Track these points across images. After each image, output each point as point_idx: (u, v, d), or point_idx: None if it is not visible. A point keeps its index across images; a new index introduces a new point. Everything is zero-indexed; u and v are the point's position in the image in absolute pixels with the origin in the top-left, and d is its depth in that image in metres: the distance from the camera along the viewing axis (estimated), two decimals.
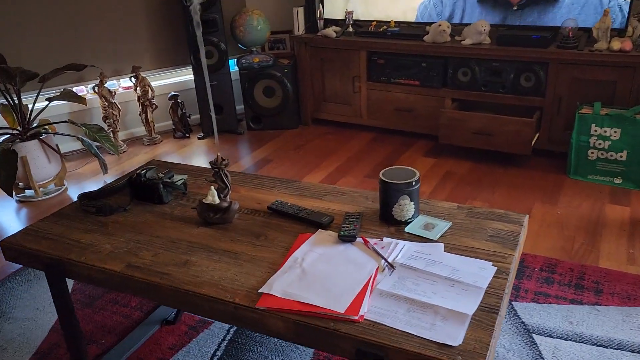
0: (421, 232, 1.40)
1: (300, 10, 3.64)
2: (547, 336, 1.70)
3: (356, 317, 1.10)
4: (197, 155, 3.46)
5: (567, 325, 1.75)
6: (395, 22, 3.46)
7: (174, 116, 3.75)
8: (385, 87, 3.43)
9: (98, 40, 3.49)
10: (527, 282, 1.97)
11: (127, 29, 3.57)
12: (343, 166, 3.15)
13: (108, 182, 3.13)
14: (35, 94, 2.93)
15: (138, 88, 3.59)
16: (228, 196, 1.53)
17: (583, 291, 1.90)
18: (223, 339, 1.78)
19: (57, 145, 3.01)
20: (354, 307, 1.13)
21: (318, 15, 3.61)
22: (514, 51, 2.92)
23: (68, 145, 3.54)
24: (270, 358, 1.69)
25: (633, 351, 1.63)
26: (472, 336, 1.04)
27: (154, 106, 3.66)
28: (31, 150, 2.82)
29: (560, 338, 1.69)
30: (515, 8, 3.03)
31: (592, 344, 1.66)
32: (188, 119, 3.79)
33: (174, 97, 3.71)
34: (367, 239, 1.36)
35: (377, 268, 1.26)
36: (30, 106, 2.98)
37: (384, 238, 1.38)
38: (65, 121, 2.92)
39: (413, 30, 3.37)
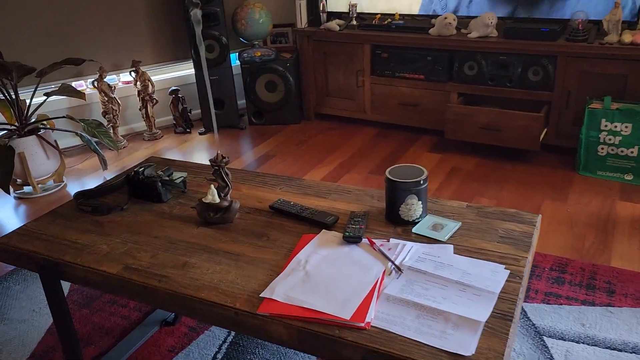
0: (429, 232, 1.34)
1: (303, 3, 3.57)
2: (559, 339, 1.65)
3: (362, 324, 1.05)
4: (198, 150, 3.41)
5: (579, 327, 1.69)
6: (400, 14, 3.39)
7: (175, 111, 3.69)
8: (390, 82, 3.36)
9: (97, 34, 3.43)
10: (537, 282, 1.92)
11: (126, 23, 3.51)
12: (347, 162, 3.09)
13: (108, 178, 3.09)
14: (33, 89, 2.88)
15: (138, 82, 3.53)
16: (228, 195, 1.47)
17: (595, 292, 1.84)
18: (224, 341, 1.73)
19: (55, 141, 2.96)
20: (360, 313, 1.07)
21: (321, 8, 3.54)
22: (521, 44, 2.85)
23: (67, 140, 3.49)
24: None
25: None
26: (485, 345, 0.98)
27: (155, 101, 3.60)
28: (29, 146, 2.77)
29: (572, 341, 1.64)
30: None
31: (606, 347, 1.61)
32: (189, 114, 3.73)
33: (174, 92, 3.66)
34: (373, 240, 1.31)
35: (384, 271, 1.21)
36: (28, 101, 2.93)
37: (391, 239, 1.33)
38: (64, 116, 2.86)
39: (418, 23, 3.30)
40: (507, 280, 1.16)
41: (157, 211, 1.54)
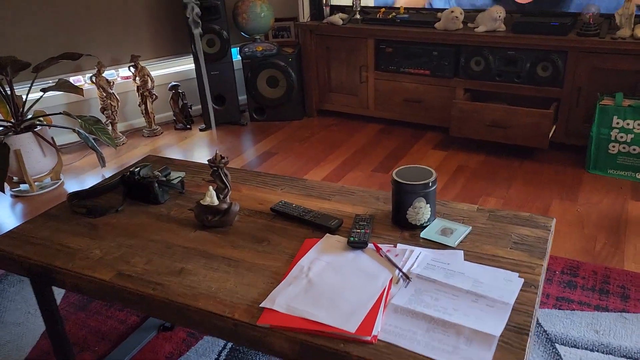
0: (438, 237, 1.28)
1: None
2: (572, 347, 1.58)
3: (369, 338, 0.98)
4: (199, 147, 3.34)
5: (593, 334, 1.63)
6: (405, 8, 3.31)
7: (175, 107, 3.63)
8: (394, 77, 3.29)
9: (95, 27, 3.36)
10: (548, 286, 1.85)
11: (125, 16, 3.44)
12: (350, 160, 3.02)
13: (106, 175, 3.03)
14: (29, 84, 2.81)
15: (137, 78, 3.46)
16: (228, 197, 1.41)
17: (608, 297, 1.78)
18: (224, 348, 1.67)
19: (52, 138, 2.90)
20: (366, 326, 1.01)
21: (324, 2, 3.46)
22: (530, 39, 2.77)
23: (65, 137, 3.43)
24: None
25: None
26: None
27: (154, 97, 3.54)
28: (25, 144, 2.71)
29: (586, 349, 1.57)
30: None
31: (621, 356, 1.54)
32: (189, 109, 3.67)
33: (174, 87, 3.59)
34: (380, 246, 1.24)
35: (391, 279, 1.14)
36: (24, 97, 2.86)
37: (398, 244, 1.26)
38: (60, 113, 2.80)
39: (423, 17, 3.22)
40: (521, 290, 1.09)
41: (153, 213, 1.48)
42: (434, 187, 1.30)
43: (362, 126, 3.49)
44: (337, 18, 3.35)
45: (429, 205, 1.30)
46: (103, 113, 3.41)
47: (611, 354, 1.55)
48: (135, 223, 1.43)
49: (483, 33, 2.91)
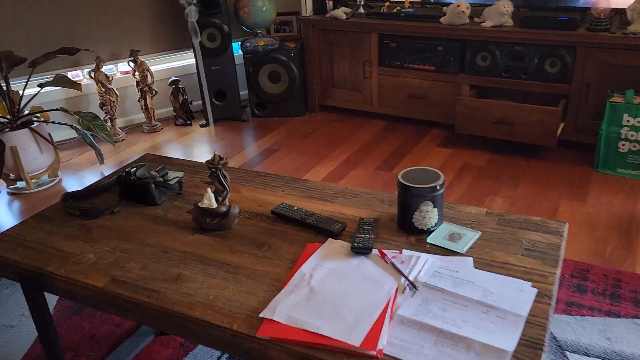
0: (446, 243, 1.22)
1: None
2: (583, 354, 1.53)
3: (374, 353, 0.93)
4: (199, 144, 3.29)
5: (605, 342, 1.57)
6: (410, 2, 3.24)
7: (175, 102, 3.57)
8: (398, 73, 3.22)
9: (94, 21, 3.30)
10: (557, 290, 1.80)
11: (124, 10, 3.37)
12: (352, 157, 2.96)
13: (105, 172, 2.98)
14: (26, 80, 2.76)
15: (137, 73, 3.41)
16: (227, 199, 1.35)
17: (620, 301, 1.72)
18: (223, 353, 1.62)
19: (50, 134, 2.84)
20: (370, 339, 0.96)
21: None
22: (538, 34, 2.71)
23: (64, 133, 3.37)
24: None
25: None
26: None
27: (154, 92, 3.48)
28: (21, 140, 2.66)
29: (598, 357, 1.52)
30: None
31: None
32: (190, 105, 3.61)
33: (174, 83, 3.53)
34: (385, 252, 1.19)
35: (397, 288, 1.09)
36: (21, 93, 2.81)
37: (404, 250, 1.21)
38: (57, 109, 2.74)
39: (429, 11, 3.15)
40: (534, 301, 1.04)
41: (149, 215, 1.43)
42: (442, 191, 1.25)
43: (365, 122, 3.43)
44: (340, 12, 3.28)
45: (436, 209, 1.25)
46: (102, 109, 3.35)
47: None
48: (131, 225, 1.38)
49: (490, 28, 2.85)
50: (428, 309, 1.02)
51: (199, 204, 1.33)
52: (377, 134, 3.26)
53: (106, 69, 3.39)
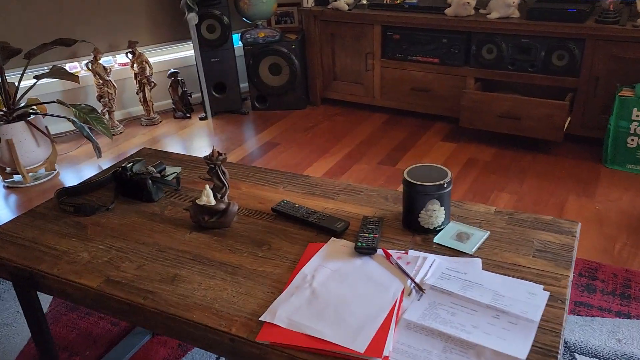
0: (453, 243, 1.18)
1: None
2: (592, 357, 1.49)
3: (380, 359, 0.89)
4: (199, 137, 3.24)
5: (615, 343, 1.53)
6: None
7: (174, 95, 3.51)
8: (401, 65, 3.16)
9: (91, 12, 3.23)
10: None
11: (122, 0, 3.31)
12: (355, 151, 2.91)
13: (103, 166, 2.93)
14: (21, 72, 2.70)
15: (135, 65, 3.35)
16: (226, 196, 1.31)
17: (630, 302, 1.68)
18: None
19: (46, 127, 2.79)
20: (376, 345, 0.91)
21: None
22: (546, 26, 2.64)
23: (61, 125, 3.32)
24: None
25: None
26: None
27: (153, 84, 3.42)
28: (17, 133, 2.61)
29: (607, 359, 1.48)
30: None
31: None
32: (189, 97, 3.55)
33: (173, 75, 3.47)
34: (390, 252, 1.14)
35: (403, 290, 1.04)
36: (17, 85, 2.75)
37: (409, 251, 1.16)
38: (54, 101, 2.69)
39: (433, 3, 3.08)
40: (547, 305, 0.99)
41: (146, 212, 1.38)
42: (449, 189, 1.20)
43: (367, 116, 3.37)
44: (343, 3, 3.22)
45: (443, 207, 1.20)
46: (100, 101, 3.30)
47: None
48: (127, 223, 1.34)
49: (496, 19, 2.78)
50: (436, 314, 0.98)
51: (197, 201, 1.28)
52: (379, 127, 3.20)
53: (104, 60, 3.33)
